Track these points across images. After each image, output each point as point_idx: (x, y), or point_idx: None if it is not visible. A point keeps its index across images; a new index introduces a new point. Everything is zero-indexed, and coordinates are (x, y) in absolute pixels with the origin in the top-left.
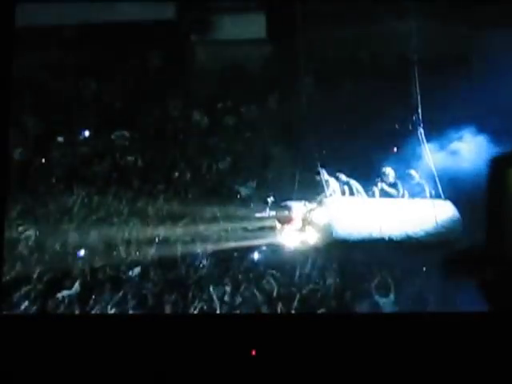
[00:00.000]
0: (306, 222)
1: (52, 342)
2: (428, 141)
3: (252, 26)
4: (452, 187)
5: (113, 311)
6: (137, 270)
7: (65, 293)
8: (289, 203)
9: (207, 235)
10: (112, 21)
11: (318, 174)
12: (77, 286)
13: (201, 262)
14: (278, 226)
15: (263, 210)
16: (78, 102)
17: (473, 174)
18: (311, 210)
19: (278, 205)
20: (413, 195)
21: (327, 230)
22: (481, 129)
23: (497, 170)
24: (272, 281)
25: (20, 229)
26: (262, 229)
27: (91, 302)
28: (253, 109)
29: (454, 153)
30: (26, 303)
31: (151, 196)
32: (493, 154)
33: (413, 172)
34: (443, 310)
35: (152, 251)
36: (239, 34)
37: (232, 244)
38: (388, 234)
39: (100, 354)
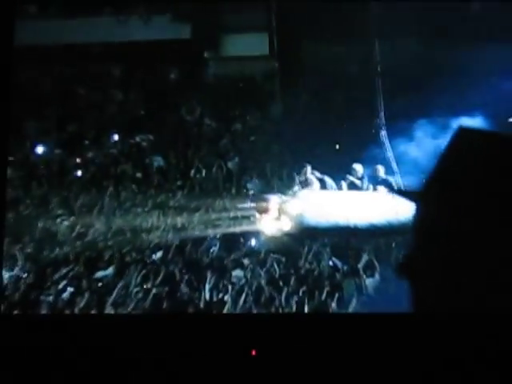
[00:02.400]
0: (281, 211)
1: (52, 342)
2: (390, 141)
3: (256, 44)
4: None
5: (137, 289)
6: (159, 254)
7: (100, 273)
8: (266, 195)
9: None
10: (135, 40)
11: (299, 170)
12: (111, 268)
13: (211, 246)
14: (257, 215)
15: (244, 201)
16: (108, 110)
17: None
18: (286, 201)
19: (257, 197)
20: (377, 188)
21: (299, 219)
22: (440, 129)
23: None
24: (274, 263)
25: (58, 219)
26: (245, 217)
27: (122, 281)
28: (257, 116)
29: (413, 150)
30: (64, 282)
31: (171, 191)
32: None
33: (378, 168)
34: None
35: (171, 237)
36: (245, 51)
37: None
38: (353, 222)
39: (100, 354)
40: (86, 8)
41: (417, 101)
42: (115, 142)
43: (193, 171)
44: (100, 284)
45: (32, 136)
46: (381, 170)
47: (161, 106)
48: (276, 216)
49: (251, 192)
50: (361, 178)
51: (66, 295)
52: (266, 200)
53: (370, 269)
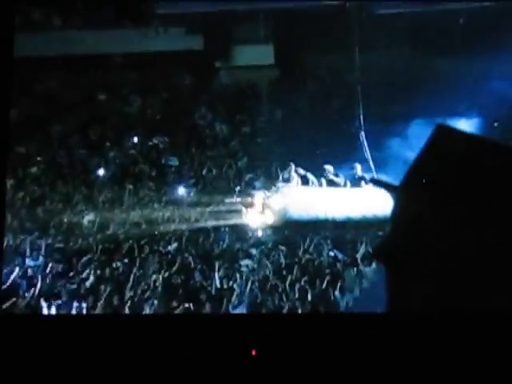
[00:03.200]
0: (265, 206)
1: (51, 342)
2: (368, 142)
3: (262, 55)
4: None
5: (155, 277)
6: (174, 245)
7: (119, 263)
8: (252, 191)
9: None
10: (153, 50)
11: (285, 168)
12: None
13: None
14: (243, 209)
15: (231, 196)
16: (128, 114)
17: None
18: (269, 196)
19: (244, 192)
20: (354, 185)
21: (281, 213)
22: (416, 130)
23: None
24: (281, 253)
25: (82, 214)
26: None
27: (140, 270)
28: (263, 119)
29: (389, 150)
30: (88, 270)
31: (185, 187)
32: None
33: (356, 166)
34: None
35: (185, 230)
36: (252, 61)
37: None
38: (332, 216)
39: (100, 353)
40: (109, 21)
41: (394, 105)
42: (134, 143)
43: (204, 170)
44: (120, 272)
45: (58, 138)
46: (358, 168)
47: (176, 110)
48: (260, 210)
49: (238, 188)
50: (338, 175)
51: (88, 282)
52: (251, 195)
53: (367, 259)
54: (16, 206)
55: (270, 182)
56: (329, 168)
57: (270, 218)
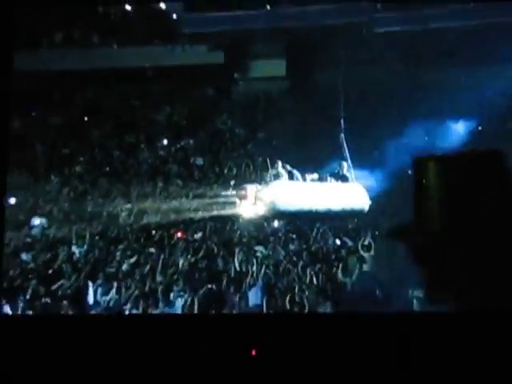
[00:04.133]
0: (257, 198)
1: (51, 342)
2: (347, 143)
3: (275, 68)
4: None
5: (183, 261)
6: (199, 233)
7: (152, 250)
8: (245, 185)
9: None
10: (180, 64)
11: (272, 165)
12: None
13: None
14: (238, 201)
15: (227, 189)
16: (158, 120)
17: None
18: (261, 190)
19: (238, 186)
20: (336, 181)
21: (271, 205)
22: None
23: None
24: (292, 241)
25: (120, 207)
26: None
27: (169, 255)
28: (276, 124)
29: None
30: (124, 256)
31: (208, 184)
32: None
33: (337, 165)
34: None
35: (208, 220)
36: (266, 73)
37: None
38: (315, 207)
39: (100, 354)
40: (142, 39)
41: (372, 111)
42: (164, 145)
43: (226, 169)
44: (152, 257)
45: (98, 141)
46: (345, 166)
47: (200, 117)
48: (253, 202)
49: (232, 182)
50: (322, 173)
51: (125, 266)
52: (244, 189)
53: (366, 246)
54: (62, 200)
55: (262, 177)
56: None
57: (261, 209)
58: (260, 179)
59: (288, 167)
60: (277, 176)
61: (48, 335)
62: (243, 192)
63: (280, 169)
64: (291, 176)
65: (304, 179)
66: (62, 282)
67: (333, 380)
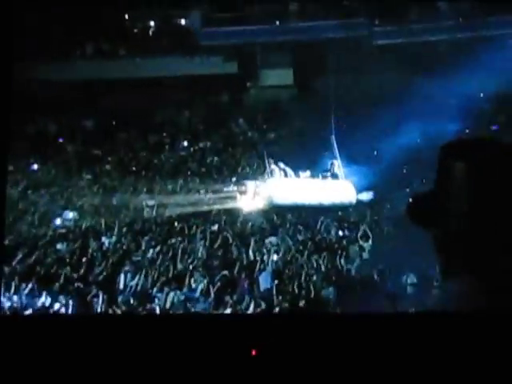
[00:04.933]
0: (255, 193)
1: (51, 342)
2: (337, 144)
3: (283, 77)
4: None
5: (202, 250)
6: (216, 226)
7: (173, 240)
8: (245, 181)
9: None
10: (197, 73)
11: (268, 163)
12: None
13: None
14: (238, 196)
15: (229, 185)
16: (179, 124)
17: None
18: (259, 186)
19: (239, 182)
20: (326, 178)
21: (268, 199)
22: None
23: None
24: (302, 231)
25: (144, 202)
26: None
27: (189, 244)
28: (286, 128)
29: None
30: (144, 245)
31: (224, 181)
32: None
33: (329, 163)
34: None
35: (224, 214)
36: (275, 82)
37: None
38: (308, 201)
39: (100, 353)
40: (163, 51)
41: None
42: (184, 147)
43: (240, 168)
44: (174, 247)
45: (125, 143)
46: (330, 164)
47: (216, 120)
48: (252, 197)
49: (233, 179)
50: (314, 170)
51: (149, 255)
52: (244, 185)
53: (365, 236)
54: (92, 195)
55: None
56: (310, 162)
57: (259, 203)
58: (261, 176)
59: (283, 165)
60: (274, 173)
61: (47, 335)
62: (243, 188)
63: (277, 167)
64: (286, 174)
65: (298, 176)
66: (93, 268)
67: (333, 380)
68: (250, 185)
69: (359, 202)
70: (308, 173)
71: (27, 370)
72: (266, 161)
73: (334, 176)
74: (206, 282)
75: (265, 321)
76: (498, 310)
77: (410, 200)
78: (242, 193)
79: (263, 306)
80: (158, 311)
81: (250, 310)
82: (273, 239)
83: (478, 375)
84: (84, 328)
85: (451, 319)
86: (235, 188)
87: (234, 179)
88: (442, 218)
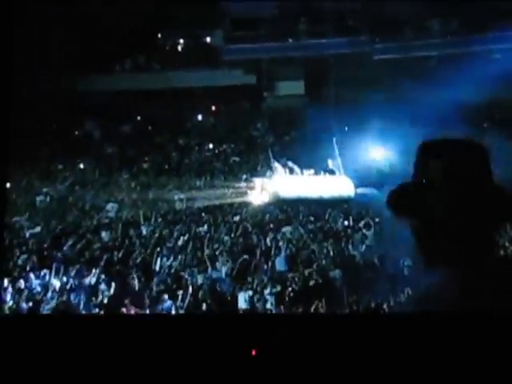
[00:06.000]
0: (263, 189)
1: (50, 342)
2: (338, 144)
3: (296, 88)
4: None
5: (227, 238)
6: (237, 216)
7: (201, 229)
8: (254, 178)
9: None
10: (221, 84)
11: (277, 162)
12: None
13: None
14: (248, 191)
15: (239, 182)
16: (205, 128)
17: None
18: (266, 182)
19: (249, 180)
20: (326, 174)
21: (274, 194)
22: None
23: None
24: (312, 221)
25: (176, 196)
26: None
27: (214, 233)
28: (296, 132)
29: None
30: (176, 233)
31: (246, 179)
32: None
33: (328, 163)
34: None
35: (244, 207)
36: (289, 92)
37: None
38: (309, 195)
39: (100, 353)
40: (189, 65)
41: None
42: (210, 148)
43: (259, 167)
44: (200, 235)
45: (159, 145)
46: (330, 163)
47: (237, 125)
48: (260, 191)
49: (244, 176)
50: (316, 168)
51: (180, 242)
52: (253, 182)
53: (367, 226)
54: (131, 190)
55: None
56: (313, 161)
57: (266, 197)
58: (270, 173)
59: (291, 164)
60: (280, 171)
61: (48, 335)
62: (251, 184)
63: (285, 165)
64: (293, 171)
65: (303, 174)
66: (132, 253)
67: (333, 380)
68: (258, 181)
69: (361, 195)
70: (312, 170)
71: (27, 370)
72: (276, 160)
73: (335, 173)
74: (229, 265)
75: (265, 321)
76: (474, 303)
77: (390, 192)
78: (251, 188)
79: (278, 287)
80: (190, 290)
81: (267, 291)
82: (287, 228)
83: (468, 373)
84: (84, 328)
85: (436, 317)
86: (249, 184)
87: (251, 177)
88: (416, 208)
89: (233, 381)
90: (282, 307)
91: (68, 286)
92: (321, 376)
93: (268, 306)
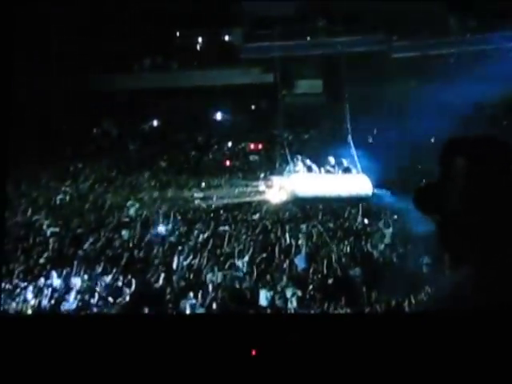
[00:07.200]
0: (281, 188)
1: (51, 342)
2: (354, 142)
3: (313, 86)
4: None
5: (244, 236)
6: (257, 215)
7: (221, 227)
8: (272, 177)
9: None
10: (240, 83)
11: (295, 160)
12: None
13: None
14: (266, 189)
15: (258, 180)
16: (223, 126)
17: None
18: (284, 181)
19: (267, 178)
20: (344, 173)
21: (292, 193)
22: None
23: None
24: (332, 219)
25: (194, 195)
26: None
27: (233, 231)
28: (314, 130)
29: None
30: (196, 231)
31: (264, 177)
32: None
33: (346, 161)
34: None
35: (265, 203)
36: (307, 90)
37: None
38: (327, 194)
39: (99, 353)
40: (210, 64)
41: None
42: (228, 147)
43: (277, 165)
44: (220, 233)
45: (178, 144)
46: (347, 161)
47: (256, 123)
48: (277, 190)
49: (262, 175)
50: (333, 166)
51: (200, 239)
52: (271, 180)
53: (386, 224)
54: (151, 188)
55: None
56: (330, 159)
57: (284, 196)
58: (288, 172)
59: (309, 162)
60: (298, 169)
61: (47, 335)
62: (269, 182)
63: (303, 163)
64: (311, 169)
65: (320, 172)
66: (152, 251)
67: (333, 380)
68: (276, 179)
69: (379, 194)
70: (329, 168)
71: (28, 371)
72: (294, 158)
73: (352, 171)
74: (249, 262)
75: (265, 321)
76: (495, 302)
77: (416, 189)
78: (269, 187)
79: (298, 286)
80: (210, 289)
81: (288, 289)
82: (306, 226)
83: (477, 371)
84: (84, 328)
85: (451, 315)
86: (267, 182)
87: (270, 175)
88: (443, 206)
89: (233, 381)
90: (301, 305)
91: (88, 285)
92: (321, 376)
93: (289, 304)
